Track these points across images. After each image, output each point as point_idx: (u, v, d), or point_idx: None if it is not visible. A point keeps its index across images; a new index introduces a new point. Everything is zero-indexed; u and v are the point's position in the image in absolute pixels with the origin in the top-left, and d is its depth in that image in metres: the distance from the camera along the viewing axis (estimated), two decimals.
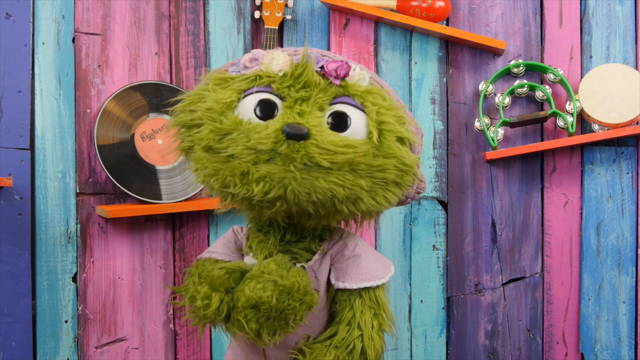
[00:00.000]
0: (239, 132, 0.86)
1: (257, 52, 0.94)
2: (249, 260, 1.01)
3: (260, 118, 0.88)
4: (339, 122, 0.88)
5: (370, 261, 1.01)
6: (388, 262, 1.06)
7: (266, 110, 0.89)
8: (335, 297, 1.02)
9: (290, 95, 0.89)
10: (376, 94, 0.91)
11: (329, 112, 0.89)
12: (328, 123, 0.88)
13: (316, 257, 1.00)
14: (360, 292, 0.99)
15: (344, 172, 0.85)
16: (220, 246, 1.06)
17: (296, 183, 0.82)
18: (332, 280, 1.00)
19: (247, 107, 0.89)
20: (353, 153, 0.85)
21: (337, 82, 0.90)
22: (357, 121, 0.89)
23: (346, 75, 0.91)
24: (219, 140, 0.87)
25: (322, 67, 0.91)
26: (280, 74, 0.90)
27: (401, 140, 0.91)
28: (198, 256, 1.06)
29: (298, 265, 0.97)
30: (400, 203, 1.01)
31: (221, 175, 0.86)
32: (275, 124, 0.84)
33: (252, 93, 0.90)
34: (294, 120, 0.85)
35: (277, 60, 0.91)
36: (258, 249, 0.99)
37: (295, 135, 0.82)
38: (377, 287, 1.00)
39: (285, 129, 0.82)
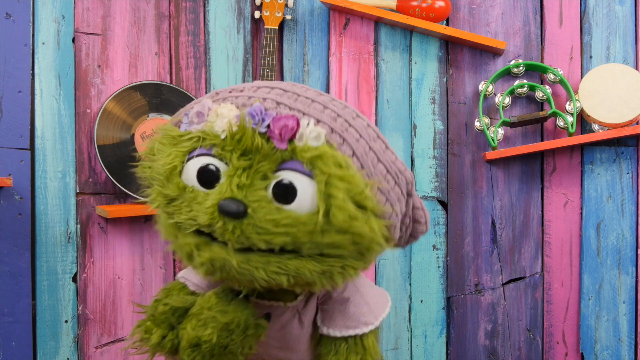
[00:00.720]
0: (182, 199, 0.80)
1: (205, 104, 0.83)
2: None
3: (203, 183, 0.80)
4: (284, 193, 0.77)
5: (359, 305, 0.95)
6: (383, 299, 0.99)
7: (208, 176, 0.80)
8: (320, 339, 0.97)
9: (232, 162, 0.78)
10: (328, 159, 0.76)
11: (274, 182, 0.77)
12: (273, 194, 0.77)
13: (300, 297, 0.94)
14: (345, 338, 0.94)
15: (287, 258, 0.77)
16: (195, 273, 1.01)
17: (236, 272, 0.77)
18: (318, 322, 0.96)
19: (191, 172, 0.81)
20: (296, 233, 0.75)
21: (283, 146, 0.77)
22: (305, 191, 0.76)
23: (293, 137, 0.77)
24: (166, 205, 0.82)
25: (269, 126, 0.78)
26: (223, 135, 0.79)
27: (361, 208, 0.77)
28: (179, 273, 1.04)
29: (241, 297, 0.89)
30: (397, 246, 0.92)
31: (173, 247, 0.84)
32: (213, 197, 0.76)
33: (194, 156, 0.81)
34: (232, 194, 0.75)
35: (221, 119, 0.80)
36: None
37: (230, 213, 0.74)
38: (364, 333, 0.94)
39: (220, 205, 0.74)
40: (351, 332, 0.93)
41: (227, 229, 0.75)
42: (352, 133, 0.82)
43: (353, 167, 0.79)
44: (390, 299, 1.04)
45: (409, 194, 0.86)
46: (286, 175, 0.77)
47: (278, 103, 0.82)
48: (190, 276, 1.02)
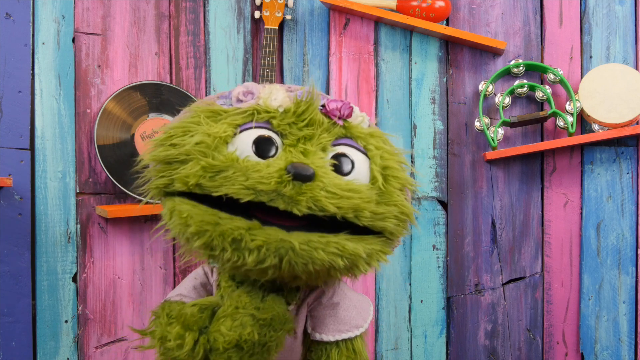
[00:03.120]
0: (234, 169, 0.77)
1: (252, 85, 0.88)
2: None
3: (259, 155, 0.81)
4: (343, 165, 0.83)
5: (348, 309, 0.97)
6: (367, 305, 1.01)
7: (265, 147, 0.82)
8: (311, 345, 0.98)
9: (292, 133, 0.82)
10: (378, 137, 0.88)
11: (332, 153, 0.84)
12: (331, 165, 0.82)
13: (291, 307, 0.94)
14: (337, 342, 0.95)
15: (344, 239, 0.78)
16: (189, 290, 1.00)
17: (294, 254, 0.75)
18: (309, 330, 0.96)
19: (244, 143, 0.81)
20: (359, 198, 0.79)
21: (340, 122, 0.86)
22: (361, 165, 0.84)
23: (349, 115, 0.87)
24: (211, 178, 0.78)
25: (323, 106, 0.86)
26: (281, 109, 0.84)
27: (402, 187, 0.86)
28: (167, 297, 1.00)
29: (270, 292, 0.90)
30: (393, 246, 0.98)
31: (207, 237, 0.77)
32: (278, 162, 0.78)
33: (249, 128, 0.83)
34: (299, 159, 0.78)
35: (275, 95, 0.85)
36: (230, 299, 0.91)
37: (302, 175, 0.75)
38: (355, 336, 0.96)
39: (290, 168, 0.76)
40: (344, 336, 0.94)
41: (297, 191, 0.75)
42: (377, 127, 0.93)
43: (394, 146, 0.90)
44: (385, 302, 1.06)
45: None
46: (343, 149, 0.85)
47: (320, 94, 0.90)
48: (184, 292, 0.99)
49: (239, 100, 0.86)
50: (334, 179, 0.79)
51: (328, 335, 0.94)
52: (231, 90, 0.89)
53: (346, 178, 0.82)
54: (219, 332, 0.81)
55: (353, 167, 0.84)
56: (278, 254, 0.75)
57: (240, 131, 0.83)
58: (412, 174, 0.97)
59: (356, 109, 0.88)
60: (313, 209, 0.76)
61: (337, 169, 0.82)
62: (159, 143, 0.85)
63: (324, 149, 0.83)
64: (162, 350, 0.86)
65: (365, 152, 0.85)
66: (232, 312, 0.82)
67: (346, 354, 0.95)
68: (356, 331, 0.96)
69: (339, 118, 0.86)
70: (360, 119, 0.88)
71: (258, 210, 0.79)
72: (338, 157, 0.84)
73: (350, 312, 0.97)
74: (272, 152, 0.82)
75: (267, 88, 0.87)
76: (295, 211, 0.75)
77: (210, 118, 0.84)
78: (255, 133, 0.83)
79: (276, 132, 0.83)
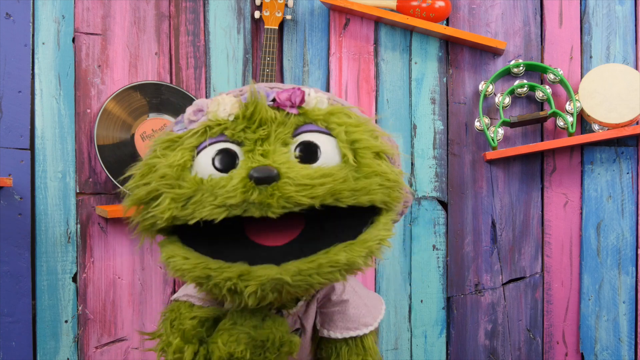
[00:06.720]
0: (202, 192, 0.77)
1: (200, 102, 0.85)
2: (228, 305, 0.95)
3: (220, 171, 0.80)
4: (308, 153, 0.81)
5: (358, 307, 0.96)
6: (379, 302, 1.00)
7: (226, 161, 0.80)
8: (320, 342, 0.97)
9: (248, 138, 0.80)
10: (339, 112, 0.84)
11: (294, 145, 0.81)
12: (296, 157, 0.80)
13: (301, 303, 0.94)
14: (346, 340, 0.94)
15: (334, 253, 0.76)
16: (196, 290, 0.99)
17: (290, 287, 0.75)
18: (318, 326, 0.96)
19: (204, 163, 0.80)
20: (332, 181, 0.77)
21: (294, 111, 0.83)
22: (327, 147, 0.81)
23: (302, 101, 0.83)
24: (183, 208, 0.77)
25: (274, 100, 0.83)
26: (231, 118, 0.82)
27: (378, 155, 0.83)
28: (175, 295, 1.00)
29: (274, 312, 0.89)
30: (395, 220, 0.95)
31: (205, 288, 0.78)
32: (240, 172, 0.76)
33: (205, 147, 0.81)
34: (259, 163, 0.76)
35: (223, 106, 0.83)
36: None
37: (265, 178, 0.74)
38: (364, 334, 0.95)
39: (252, 174, 0.74)
40: (352, 334, 0.94)
41: (265, 195, 0.74)
42: (344, 102, 0.89)
43: (361, 117, 0.86)
44: (384, 302, 1.05)
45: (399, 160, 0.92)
46: (305, 137, 0.81)
47: (271, 87, 0.87)
48: (191, 292, 0.99)
49: (191, 122, 0.84)
50: (301, 170, 0.77)
51: (336, 333, 0.94)
52: (180, 116, 0.87)
53: (315, 165, 0.79)
54: (215, 345, 0.81)
55: (320, 151, 0.81)
56: (275, 290, 0.75)
57: (198, 152, 0.81)
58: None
59: (310, 91, 0.85)
60: (287, 206, 0.74)
61: (304, 159, 0.80)
62: (134, 186, 0.85)
63: (285, 143, 0.81)
64: None
65: (329, 133, 0.82)
66: (229, 327, 0.82)
67: (356, 351, 0.94)
68: (365, 329, 0.95)
69: (292, 107, 0.82)
70: (315, 100, 0.84)
71: (247, 221, 0.79)
72: (301, 146, 0.81)
73: (360, 310, 0.96)
74: (233, 163, 0.80)
75: (214, 100, 0.84)
76: (270, 214, 0.74)
77: (168, 148, 0.83)
78: (212, 150, 0.81)
79: (233, 142, 0.81)
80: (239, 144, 0.81)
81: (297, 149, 0.81)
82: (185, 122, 0.85)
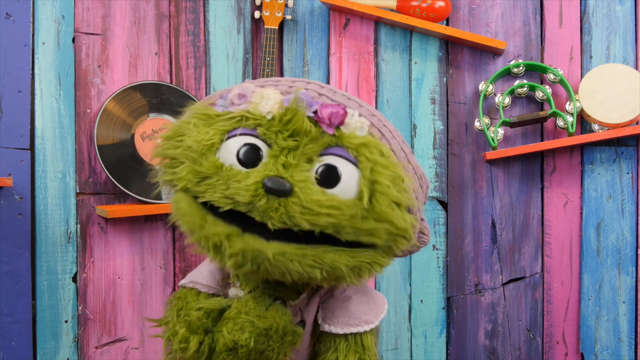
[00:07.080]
0: (218, 177, 0.78)
1: (247, 87, 0.84)
2: (235, 291, 0.96)
3: (243, 164, 0.80)
4: (328, 177, 0.79)
5: (360, 304, 0.96)
6: (381, 301, 1.01)
7: (250, 155, 0.80)
8: (319, 336, 0.97)
9: (277, 143, 0.79)
10: (373, 147, 0.80)
11: (318, 165, 0.79)
12: (316, 177, 0.78)
13: (303, 295, 0.94)
14: (346, 335, 0.94)
15: (322, 252, 0.77)
16: (205, 275, 1.00)
17: (269, 263, 0.76)
18: (319, 320, 0.96)
19: (230, 151, 0.80)
20: (339, 215, 0.76)
21: (330, 131, 0.80)
22: (349, 177, 0.78)
23: (341, 123, 0.80)
24: (197, 184, 0.79)
25: (315, 112, 0.81)
26: (269, 116, 0.81)
27: (396, 203, 0.79)
28: (181, 281, 1.01)
29: (279, 302, 0.90)
30: (397, 256, 0.92)
31: (194, 238, 0.80)
32: (256, 174, 0.76)
33: (235, 135, 0.81)
34: (277, 173, 0.76)
35: (266, 100, 0.82)
36: (245, 280, 0.94)
37: (276, 190, 0.74)
38: (365, 331, 0.95)
39: (265, 182, 0.74)
40: (353, 330, 0.94)
41: (270, 206, 0.74)
42: (387, 130, 0.86)
43: (394, 158, 0.83)
44: (387, 302, 1.05)
45: (425, 201, 0.90)
46: (331, 160, 0.79)
47: (320, 94, 0.85)
48: (197, 279, 1.00)
49: (232, 104, 0.84)
50: (313, 194, 0.76)
51: (337, 328, 0.94)
52: (230, 89, 0.87)
53: (330, 191, 0.78)
54: (220, 334, 0.83)
55: (340, 179, 0.78)
56: (255, 262, 0.76)
57: (228, 137, 0.82)
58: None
59: (354, 114, 0.82)
60: (287, 224, 0.75)
61: (323, 181, 0.79)
62: (164, 140, 0.86)
63: (309, 160, 0.79)
64: (170, 350, 0.88)
65: (356, 164, 0.79)
66: (235, 315, 0.84)
67: (354, 348, 0.94)
68: (366, 326, 0.95)
69: (329, 126, 0.80)
70: (355, 126, 0.81)
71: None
72: (325, 167, 0.79)
73: (362, 307, 0.96)
74: (257, 160, 0.80)
75: (259, 92, 0.83)
76: (270, 225, 0.75)
77: (202, 122, 0.83)
78: (241, 141, 0.81)
79: (263, 140, 0.81)
80: (268, 144, 0.81)
81: (320, 169, 0.79)
82: (227, 101, 0.85)
